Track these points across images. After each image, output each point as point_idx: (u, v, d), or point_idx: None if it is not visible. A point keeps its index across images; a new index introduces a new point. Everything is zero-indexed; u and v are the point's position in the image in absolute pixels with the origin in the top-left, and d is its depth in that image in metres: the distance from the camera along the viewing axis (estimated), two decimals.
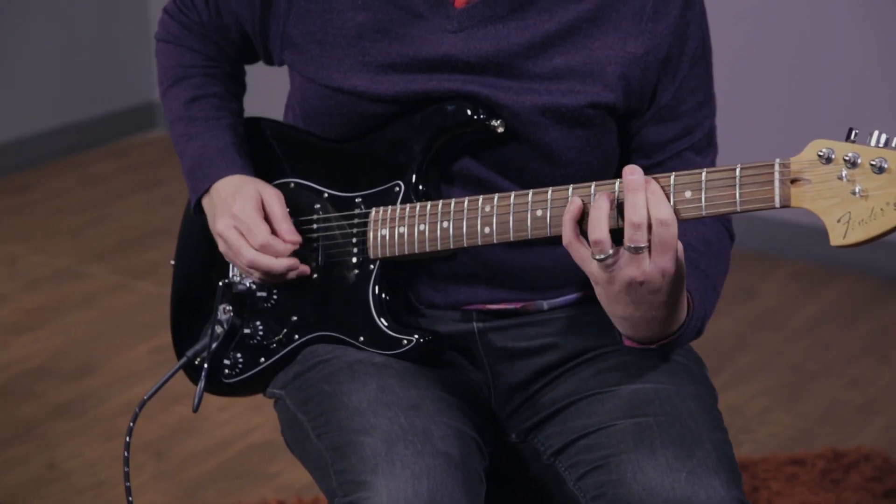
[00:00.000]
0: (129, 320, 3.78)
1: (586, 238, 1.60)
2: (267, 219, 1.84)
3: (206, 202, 1.91)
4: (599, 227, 1.58)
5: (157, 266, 4.14)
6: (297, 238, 1.83)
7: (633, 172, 1.57)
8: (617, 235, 1.59)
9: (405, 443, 1.63)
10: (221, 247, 1.87)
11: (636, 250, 1.56)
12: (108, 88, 5.27)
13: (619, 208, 1.60)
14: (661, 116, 1.79)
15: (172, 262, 2.05)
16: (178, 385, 3.45)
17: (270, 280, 1.84)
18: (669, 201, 1.57)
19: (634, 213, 1.56)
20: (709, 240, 1.81)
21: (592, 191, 1.62)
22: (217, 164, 1.89)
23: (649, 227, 1.56)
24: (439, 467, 1.62)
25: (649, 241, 1.56)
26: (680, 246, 1.59)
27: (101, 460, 3.06)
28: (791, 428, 3.23)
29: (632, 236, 1.56)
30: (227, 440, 3.16)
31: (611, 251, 1.57)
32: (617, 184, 1.61)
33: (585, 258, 1.61)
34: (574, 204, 1.61)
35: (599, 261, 1.58)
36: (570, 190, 1.64)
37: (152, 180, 4.90)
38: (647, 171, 1.81)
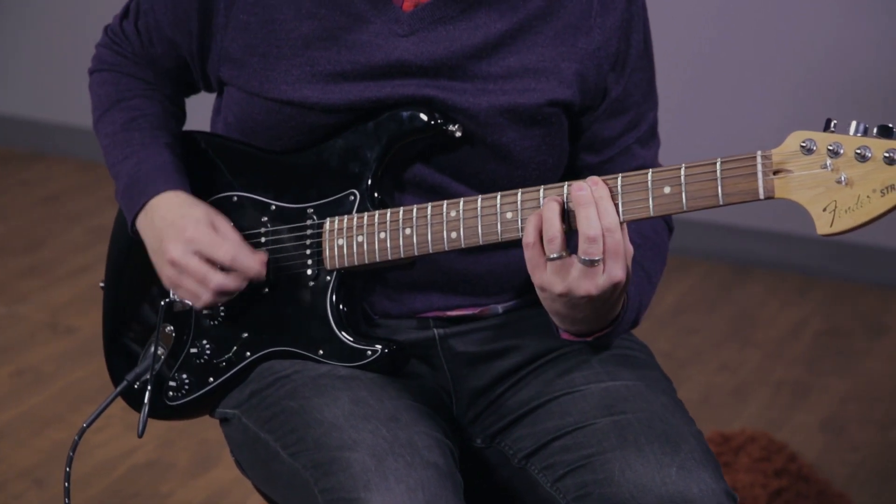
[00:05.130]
0: None
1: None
2: None
3: (143, 221, 1.83)
4: (553, 224, 1.59)
5: (2, 286, 3.98)
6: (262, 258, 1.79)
7: (580, 189, 1.59)
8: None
9: (394, 456, 1.59)
10: (170, 274, 1.78)
11: (591, 263, 1.57)
12: None
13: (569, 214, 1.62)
14: (612, 110, 1.80)
15: (102, 285, 1.97)
16: (46, 408, 3.35)
17: (224, 302, 1.79)
18: (618, 202, 1.59)
19: (589, 227, 1.57)
20: (645, 233, 1.82)
21: (565, 191, 1.62)
22: (154, 181, 1.82)
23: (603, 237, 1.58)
24: (432, 479, 1.59)
25: (603, 251, 1.58)
26: (630, 249, 1.61)
27: None
28: None
29: (587, 249, 1.57)
30: (110, 462, 3.05)
31: (564, 253, 1.58)
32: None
33: (539, 264, 1.61)
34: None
35: (551, 260, 1.59)
36: (542, 190, 1.63)
37: None
38: (595, 168, 1.82)
